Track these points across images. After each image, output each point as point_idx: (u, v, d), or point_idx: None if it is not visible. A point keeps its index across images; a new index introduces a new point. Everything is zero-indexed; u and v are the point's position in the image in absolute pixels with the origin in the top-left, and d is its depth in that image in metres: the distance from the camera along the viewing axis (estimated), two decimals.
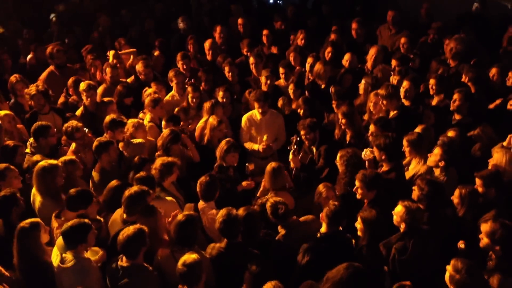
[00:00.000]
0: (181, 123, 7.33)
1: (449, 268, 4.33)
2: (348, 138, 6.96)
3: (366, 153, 6.22)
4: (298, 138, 6.76)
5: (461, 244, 5.06)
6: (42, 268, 4.94)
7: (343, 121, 6.87)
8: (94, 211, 5.58)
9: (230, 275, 4.90)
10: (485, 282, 4.44)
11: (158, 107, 7.46)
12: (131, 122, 7.01)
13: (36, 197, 5.92)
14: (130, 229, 4.75)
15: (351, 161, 6.00)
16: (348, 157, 6.01)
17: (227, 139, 6.63)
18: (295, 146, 6.71)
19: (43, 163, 5.85)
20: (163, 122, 7.22)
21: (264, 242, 5.25)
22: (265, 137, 7.28)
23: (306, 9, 12.43)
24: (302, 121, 6.94)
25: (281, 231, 5.38)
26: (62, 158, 6.17)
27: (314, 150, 6.89)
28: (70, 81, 8.30)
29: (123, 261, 4.82)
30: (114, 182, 5.83)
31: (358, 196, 5.56)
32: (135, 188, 5.38)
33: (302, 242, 5.07)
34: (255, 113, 7.51)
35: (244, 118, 7.58)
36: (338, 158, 6.10)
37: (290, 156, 6.68)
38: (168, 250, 5.02)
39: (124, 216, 5.39)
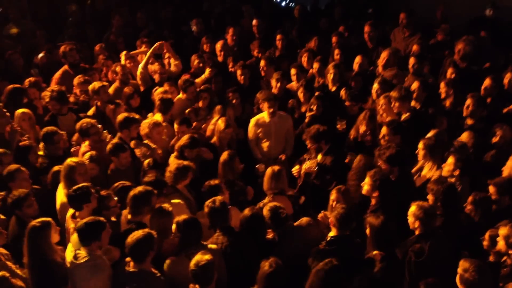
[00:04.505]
0: (193, 124, 7.36)
1: (458, 269, 4.40)
2: (360, 138, 6.93)
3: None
4: None
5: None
6: (50, 267, 4.96)
7: (367, 125, 6.84)
8: (109, 213, 5.58)
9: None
10: (493, 282, 4.49)
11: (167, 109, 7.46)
12: (146, 122, 7.02)
13: (59, 197, 5.97)
14: (139, 233, 4.75)
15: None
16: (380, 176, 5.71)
17: (225, 152, 6.53)
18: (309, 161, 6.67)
19: (71, 160, 5.92)
20: (175, 124, 7.22)
21: (270, 243, 5.31)
22: (262, 167, 6.93)
23: (319, 10, 12.41)
24: (307, 130, 6.84)
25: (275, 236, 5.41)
26: (87, 155, 6.24)
27: (320, 156, 6.74)
28: (75, 80, 8.30)
29: (130, 266, 4.82)
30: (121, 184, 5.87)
31: (363, 192, 5.66)
32: (140, 188, 5.39)
33: (298, 247, 5.15)
34: (264, 115, 7.52)
35: (252, 122, 7.60)
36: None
37: (307, 164, 6.64)
38: (177, 257, 5.01)
39: (129, 216, 5.41)
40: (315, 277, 4.41)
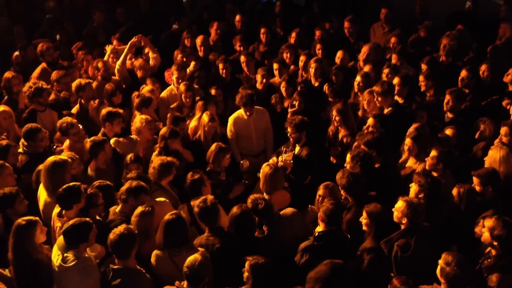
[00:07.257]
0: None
1: (440, 261, 4.40)
2: (340, 136, 6.97)
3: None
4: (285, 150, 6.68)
5: None
6: (34, 266, 4.88)
7: (337, 118, 6.88)
8: (96, 212, 5.53)
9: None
10: (475, 276, 4.52)
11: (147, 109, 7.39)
12: (140, 117, 6.92)
13: (41, 196, 5.87)
14: (120, 229, 4.72)
15: (365, 160, 5.84)
16: (361, 156, 5.86)
17: (216, 143, 6.50)
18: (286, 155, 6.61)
19: (54, 158, 5.80)
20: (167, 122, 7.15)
21: (258, 239, 5.28)
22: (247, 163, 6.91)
23: (297, 5, 12.43)
24: (292, 118, 6.84)
25: (265, 228, 5.41)
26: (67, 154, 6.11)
27: (298, 147, 6.77)
28: (54, 75, 8.17)
29: (115, 263, 4.79)
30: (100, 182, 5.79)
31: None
32: (138, 182, 5.43)
33: (288, 237, 5.15)
34: (242, 112, 7.44)
35: (231, 120, 7.50)
36: (349, 159, 5.94)
37: (284, 157, 6.56)
38: (162, 253, 4.97)
39: (118, 209, 5.44)
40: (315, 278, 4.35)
